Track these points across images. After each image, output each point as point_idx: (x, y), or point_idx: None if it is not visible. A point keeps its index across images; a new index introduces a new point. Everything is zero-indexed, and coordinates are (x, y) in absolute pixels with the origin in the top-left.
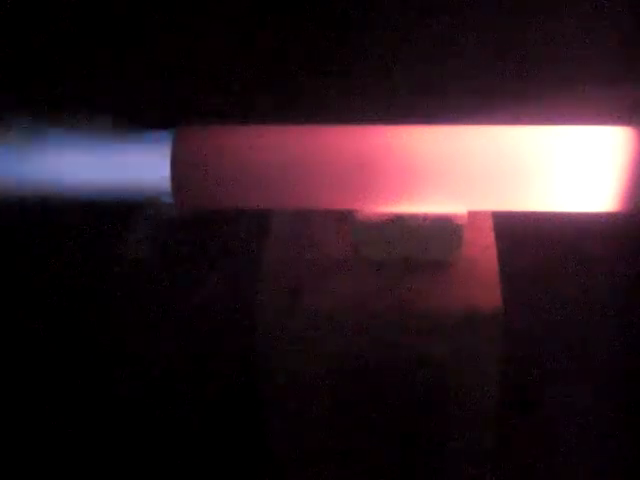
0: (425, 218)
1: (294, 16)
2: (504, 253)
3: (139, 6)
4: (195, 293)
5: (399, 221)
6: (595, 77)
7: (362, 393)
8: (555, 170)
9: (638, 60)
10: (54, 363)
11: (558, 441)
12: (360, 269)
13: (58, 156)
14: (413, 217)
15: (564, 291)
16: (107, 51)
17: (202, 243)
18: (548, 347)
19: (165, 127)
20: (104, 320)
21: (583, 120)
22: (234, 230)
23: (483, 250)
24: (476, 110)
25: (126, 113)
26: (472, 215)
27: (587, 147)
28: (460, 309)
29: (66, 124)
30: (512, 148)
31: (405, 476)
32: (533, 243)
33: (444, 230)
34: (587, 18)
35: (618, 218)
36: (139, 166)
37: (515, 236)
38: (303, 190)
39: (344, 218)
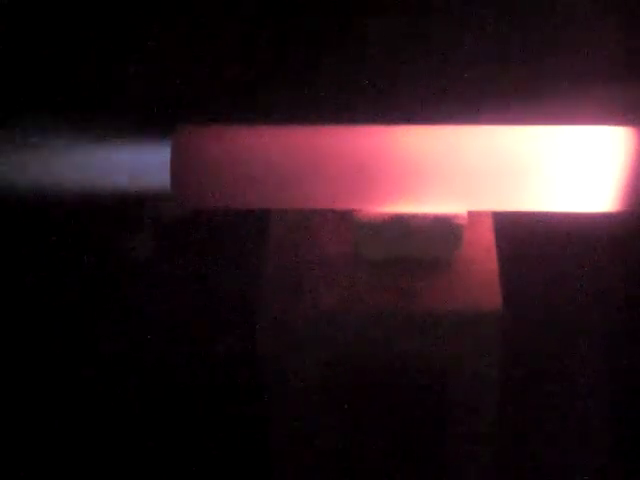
0: (425, 218)
1: (294, 16)
2: (504, 253)
3: (139, 6)
4: (195, 293)
5: (399, 221)
6: (595, 77)
7: (362, 393)
8: (555, 170)
9: (638, 60)
10: (54, 363)
11: (558, 441)
12: (360, 269)
13: (58, 156)
14: (413, 217)
15: (564, 291)
16: (107, 51)
17: (202, 243)
18: (548, 347)
19: (165, 127)
20: (104, 319)
21: (583, 120)
22: (234, 230)
23: (483, 250)
24: (476, 110)
25: (126, 113)
26: (472, 215)
27: (587, 147)
28: (460, 309)
29: (66, 124)
30: (512, 148)
31: (405, 475)
32: (533, 243)
33: (444, 230)
34: (587, 18)
35: (618, 218)
36: (139, 166)
37: (515, 236)
38: (303, 190)
39: (344, 218)
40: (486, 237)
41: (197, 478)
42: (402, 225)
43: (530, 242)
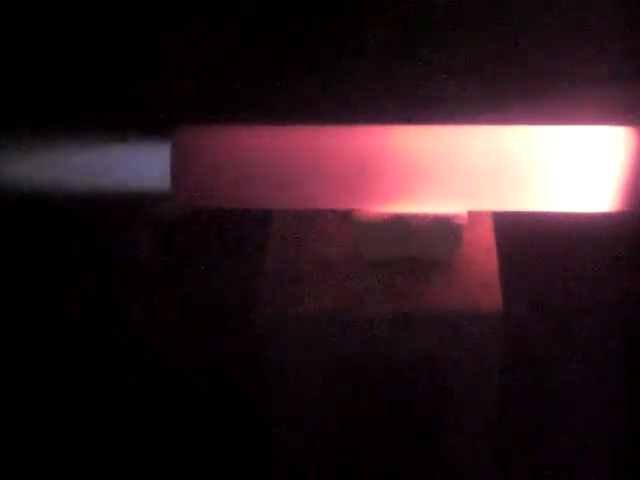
0: (425, 218)
1: (295, 17)
2: (504, 253)
3: (140, 6)
4: (195, 293)
5: (399, 221)
6: (595, 77)
7: (362, 393)
8: (555, 170)
9: (638, 60)
10: (53, 363)
11: (558, 441)
12: (360, 269)
13: (59, 156)
14: (413, 217)
15: (564, 291)
16: (108, 51)
17: (202, 243)
18: (548, 347)
19: (165, 127)
20: (103, 319)
21: (583, 120)
22: (234, 230)
23: (483, 250)
24: (476, 110)
25: (126, 113)
26: (472, 215)
27: (587, 147)
28: (460, 309)
29: (66, 124)
30: (512, 148)
31: (405, 475)
32: (533, 243)
33: (444, 230)
34: (587, 17)
35: (618, 218)
36: (139, 166)
37: (515, 236)
38: (303, 190)
39: (344, 218)
40: (486, 237)
41: (198, 478)
42: (402, 225)
43: (530, 242)
